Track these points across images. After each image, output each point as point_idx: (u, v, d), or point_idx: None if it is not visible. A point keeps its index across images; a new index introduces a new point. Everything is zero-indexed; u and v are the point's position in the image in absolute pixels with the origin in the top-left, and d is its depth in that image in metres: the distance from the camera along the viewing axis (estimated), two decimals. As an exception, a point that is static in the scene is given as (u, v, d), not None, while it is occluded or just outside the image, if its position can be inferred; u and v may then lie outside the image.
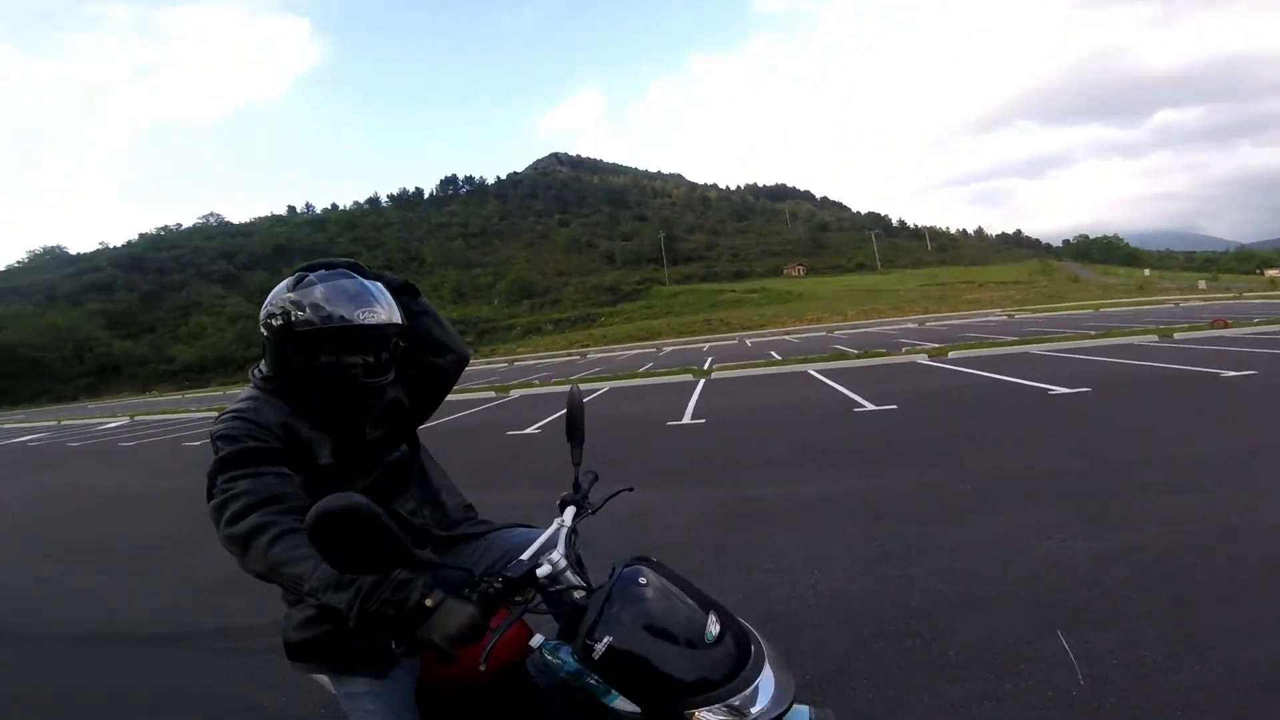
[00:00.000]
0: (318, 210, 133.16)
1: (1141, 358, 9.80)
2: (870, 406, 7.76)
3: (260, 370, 1.41)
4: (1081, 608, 2.43)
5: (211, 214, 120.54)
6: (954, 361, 11.84)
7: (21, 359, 59.78)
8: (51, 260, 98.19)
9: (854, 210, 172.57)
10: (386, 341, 1.39)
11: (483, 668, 1.14)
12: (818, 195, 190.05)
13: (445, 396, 1.68)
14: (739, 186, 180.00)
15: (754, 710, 1.25)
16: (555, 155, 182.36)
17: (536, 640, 1.34)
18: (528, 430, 8.72)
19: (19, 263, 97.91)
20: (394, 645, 1.23)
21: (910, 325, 31.55)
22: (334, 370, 1.31)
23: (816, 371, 12.64)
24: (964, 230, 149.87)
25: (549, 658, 1.29)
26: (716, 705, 1.22)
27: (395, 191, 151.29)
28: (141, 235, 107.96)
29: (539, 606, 1.29)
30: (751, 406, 9.01)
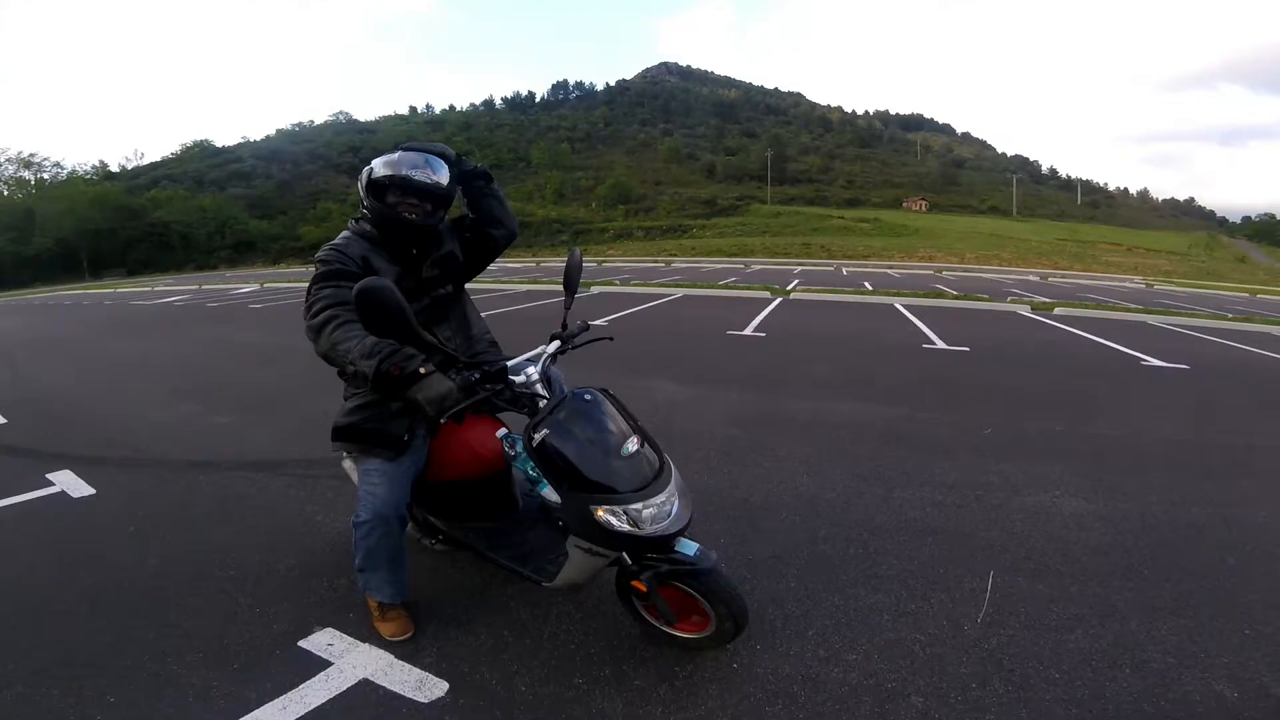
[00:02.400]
0: (437, 111, 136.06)
1: (1275, 348, 8.42)
2: (941, 345, 7.42)
3: (355, 219, 1.91)
4: (1031, 559, 2.43)
5: (341, 112, 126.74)
6: (1057, 318, 10.81)
7: (173, 234, 67.82)
8: (200, 152, 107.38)
9: (998, 151, 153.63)
10: (436, 197, 1.81)
11: (442, 421, 1.56)
12: (958, 130, 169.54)
13: (493, 260, 2.16)
14: (867, 112, 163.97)
15: (647, 525, 1.54)
16: (665, 64, 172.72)
17: (501, 432, 1.74)
18: (595, 322, 9.08)
19: (172, 154, 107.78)
20: (404, 436, 1.68)
21: (1031, 278, 28.72)
22: (396, 210, 1.78)
23: (903, 306, 12.01)
24: (1124, 189, 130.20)
25: (506, 447, 1.69)
26: (615, 508, 1.51)
27: (509, 95, 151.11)
28: (279, 130, 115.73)
29: (505, 398, 1.70)
30: (819, 328, 8.85)
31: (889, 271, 29.52)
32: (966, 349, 7.20)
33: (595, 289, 14.98)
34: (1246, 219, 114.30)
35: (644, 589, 1.63)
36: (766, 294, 13.44)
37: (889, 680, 1.72)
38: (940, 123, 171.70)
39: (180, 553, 2.54)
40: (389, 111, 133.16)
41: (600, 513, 1.52)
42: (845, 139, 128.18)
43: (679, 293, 14.06)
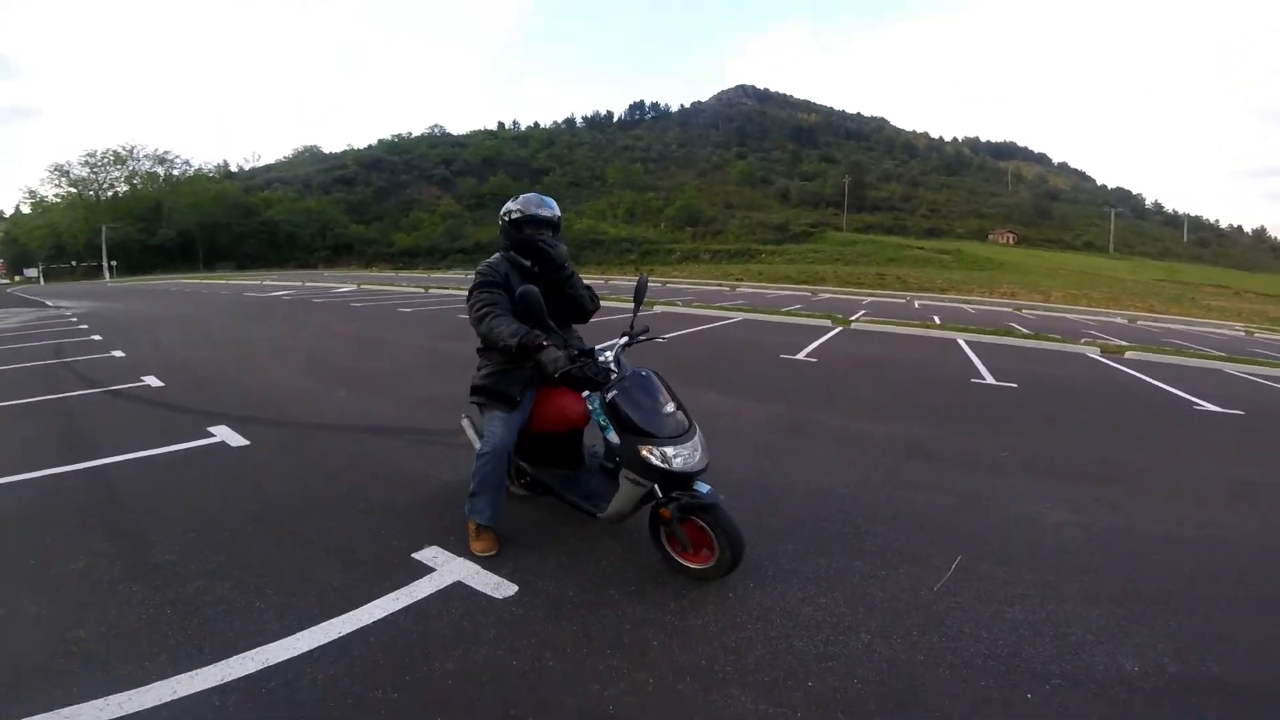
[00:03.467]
0: (522, 127, 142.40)
1: None
2: (989, 380, 7.61)
3: (502, 245, 2.76)
4: (1001, 551, 2.85)
5: (436, 125, 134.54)
6: (1126, 362, 10.57)
7: (280, 232, 75.00)
8: (309, 157, 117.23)
9: (1097, 182, 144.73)
10: (553, 224, 2.71)
11: (555, 374, 2.39)
12: (1054, 160, 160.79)
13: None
14: (955, 139, 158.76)
15: (675, 463, 2.20)
16: (742, 87, 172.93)
17: (586, 394, 2.46)
18: (656, 339, 9.76)
19: (285, 157, 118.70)
20: (516, 396, 2.40)
21: (1118, 320, 27.21)
22: (529, 237, 2.66)
23: (965, 342, 11.99)
24: (1237, 226, 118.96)
25: (589, 404, 2.40)
26: (652, 447, 2.18)
27: (589, 113, 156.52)
28: (380, 140, 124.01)
29: (591, 370, 2.52)
30: (872, 358, 9.15)
31: (964, 307, 28.77)
32: (1014, 385, 7.37)
33: (658, 308, 15.70)
34: None
35: (668, 515, 2.32)
36: (827, 322, 13.73)
37: (847, 619, 2.25)
38: (1035, 151, 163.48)
39: (320, 491, 3.35)
40: (479, 126, 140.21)
41: (644, 451, 2.24)
42: (930, 166, 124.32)
43: (739, 316, 14.58)
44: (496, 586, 2.38)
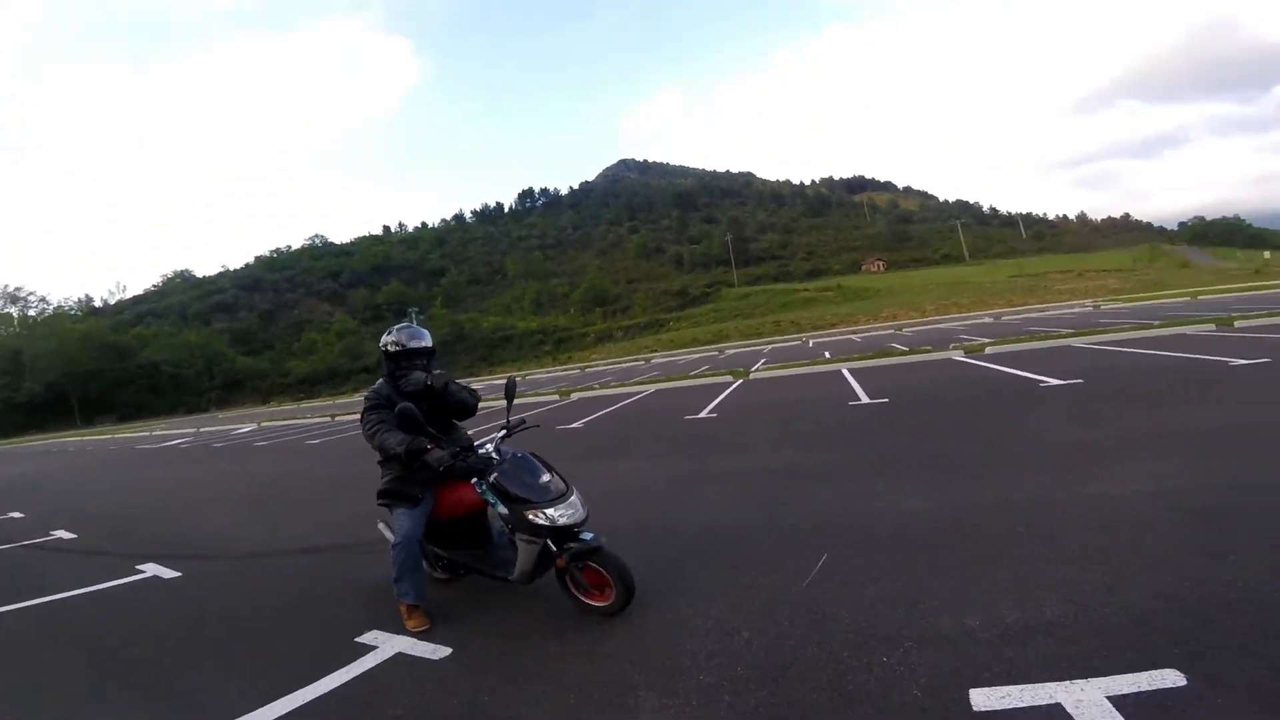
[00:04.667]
0: (409, 229, 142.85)
1: (1177, 348, 9.68)
2: (865, 400, 8.63)
3: (384, 372, 3.28)
4: (861, 543, 3.41)
5: (317, 235, 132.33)
6: (986, 357, 12.18)
7: (162, 375, 69.39)
8: (181, 283, 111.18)
9: (940, 199, 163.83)
10: (430, 354, 3.28)
11: (440, 469, 2.89)
12: (899, 185, 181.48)
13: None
14: (813, 181, 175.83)
15: (559, 520, 2.69)
16: (624, 161, 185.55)
17: (474, 481, 2.89)
18: (573, 425, 10.21)
19: (154, 286, 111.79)
20: (418, 495, 2.81)
21: (985, 319, 30.58)
22: (408, 367, 3.19)
23: (848, 370, 13.28)
24: (1064, 216, 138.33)
25: (479, 489, 2.93)
26: (537, 510, 2.68)
27: (478, 207, 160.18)
28: (257, 258, 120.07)
29: (472, 461, 3.02)
30: (765, 402, 10.04)
31: (852, 337, 31.22)
32: (885, 400, 8.41)
33: (575, 395, 16.19)
34: (1183, 224, 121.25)
35: (563, 564, 2.79)
36: (729, 378, 14.76)
37: (729, 623, 2.72)
38: (882, 180, 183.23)
39: (260, 604, 3.65)
40: (363, 232, 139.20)
41: (529, 515, 2.74)
42: (798, 211, 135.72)
43: (652, 388, 15.40)
44: (433, 651, 2.75)
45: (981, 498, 3.94)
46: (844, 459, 5.42)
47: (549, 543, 2.81)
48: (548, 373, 39.96)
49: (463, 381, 3.55)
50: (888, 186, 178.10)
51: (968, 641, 2.30)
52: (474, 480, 3.01)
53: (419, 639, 2.86)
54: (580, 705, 2.24)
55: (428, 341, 3.26)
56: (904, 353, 15.28)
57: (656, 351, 43.08)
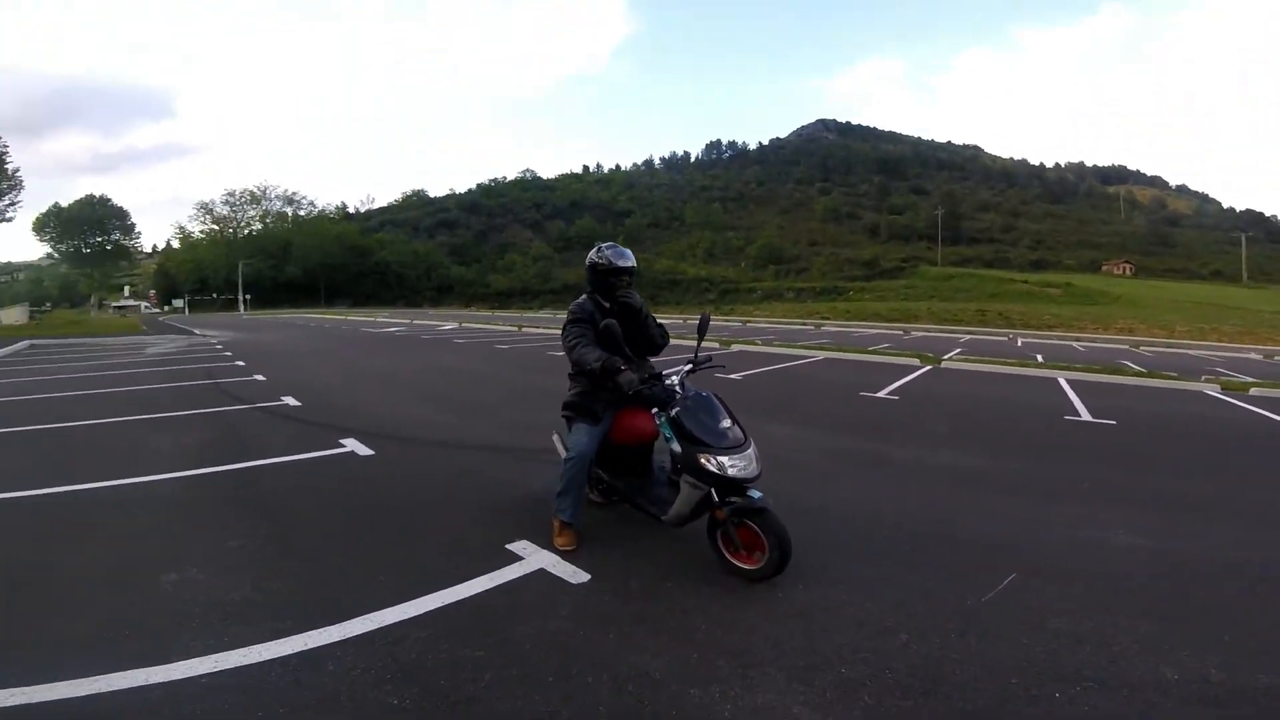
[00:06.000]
0: (605, 170, 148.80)
1: None
2: (1086, 418, 7.26)
3: (589, 287, 3.25)
4: (1055, 572, 2.96)
5: (528, 169, 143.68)
6: (1250, 399, 9.58)
7: (392, 273, 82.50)
8: (417, 200, 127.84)
9: (1222, 205, 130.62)
10: (632, 274, 3.18)
11: (630, 392, 2.86)
12: (1171, 182, 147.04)
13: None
14: (1058, 164, 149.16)
15: (729, 469, 2.52)
16: (822, 121, 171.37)
17: (655, 411, 2.86)
18: (732, 376, 9.90)
19: (395, 201, 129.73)
20: (599, 412, 2.87)
21: (1252, 356, 24.35)
22: (612, 283, 3.16)
23: (1066, 380, 11.25)
24: None
25: (657, 419, 2.92)
26: (710, 455, 2.53)
27: (667, 154, 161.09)
28: (478, 184, 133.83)
29: (659, 391, 2.97)
30: (959, 396, 8.92)
31: (1074, 344, 26.83)
32: (1113, 422, 6.99)
33: (736, 346, 15.86)
34: None
35: (722, 517, 2.65)
36: (916, 361, 13.30)
37: (887, 621, 2.42)
38: (1148, 174, 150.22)
39: (433, 493, 3.95)
40: (565, 170, 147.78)
41: (702, 459, 2.61)
42: (1031, 194, 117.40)
43: (821, 355, 14.40)
44: (574, 574, 2.77)
45: (1213, 551, 3.30)
46: (1051, 476, 4.62)
47: (713, 491, 2.68)
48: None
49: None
50: (1155, 181, 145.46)
51: (1157, 694, 2.03)
52: (654, 411, 2.96)
53: (564, 558, 2.91)
54: (702, 667, 2.12)
55: (632, 262, 3.20)
56: (1140, 374, 12.63)
57: (829, 319, 40.56)
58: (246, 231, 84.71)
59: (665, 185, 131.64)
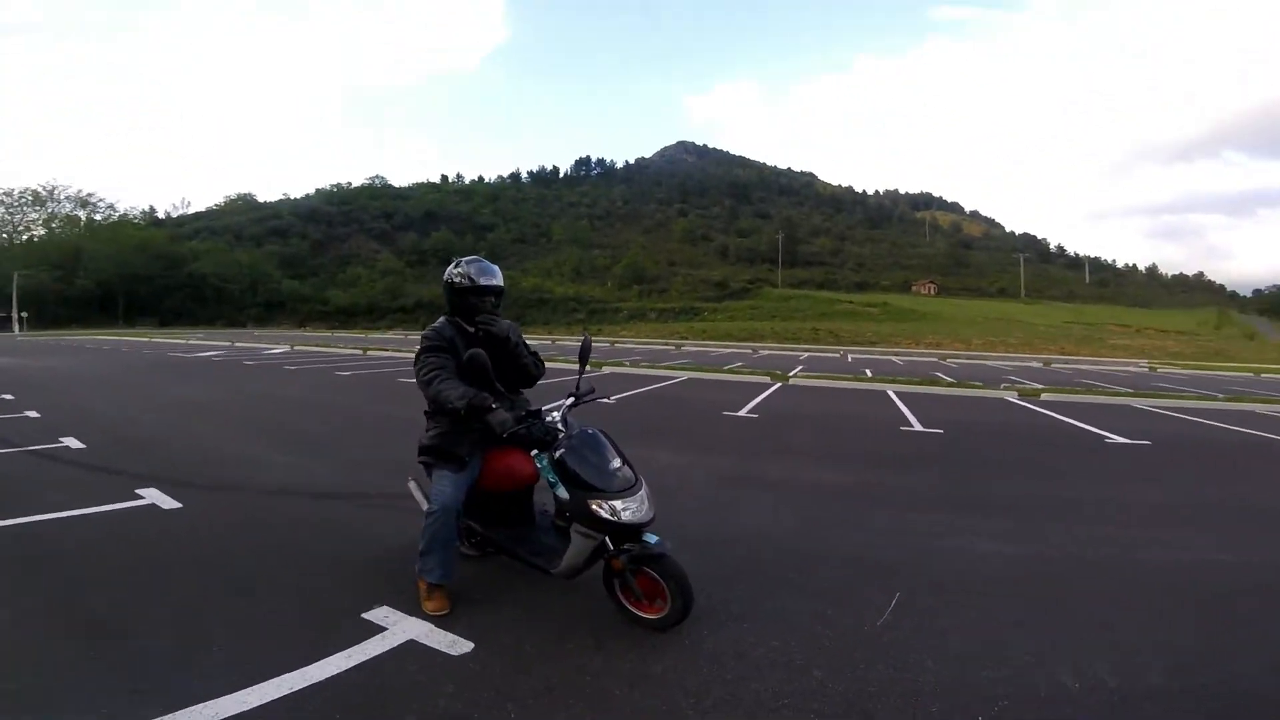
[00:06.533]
0: (466, 180, 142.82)
1: (1250, 425, 9.28)
2: (918, 427, 8.10)
3: (447, 309, 2.80)
4: (935, 584, 3.12)
5: (377, 176, 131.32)
6: (1042, 403, 11.50)
7: (209, 287, 70.87)
8: (242, 205, 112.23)
9: (1006, 229, 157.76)
10: (499, 294, 2.75)
11: (503, 435, 2.45)
12: (966, 208, 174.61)
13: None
14: (877, 191, 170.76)
15: (623, 515, 2.29)
16: (682, 143, 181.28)
17: (534, 453, 2.52)
18: (604, 400, 9.84)
19: (216, 206, 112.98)
20: (464, 456, 2.43)
21: (1034, 364, 29.50)
22: (474, 304, 2.71)
23: (894, 393, 12.63)
24: (1133, 265, 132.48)
25: (538, 462, 2.50)
26: (601, 501, 2.28)
27: (534, 168, 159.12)
28: (318, 190, 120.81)
29: (538, 430, 2.59)
30: (810, 413, 9.50)
31: (893, 359, 30.36)
32: (940, 430, 7.87)
33: (606, 369, 15.82)
34: (1258, 292, 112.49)
35: (619, 566, 2.39)
36: (767, 379, 14.19)
37: (798, 659, 2.34)
38: (949, 200, 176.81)
39: (261, 553, 3.24)
40: (422, 179, 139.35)
41: (593, 505, 2.32)
42: (856, 220, 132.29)
43: (684, 375, 14.89)
44: (452, 644, 2.36)
45: (1061, 549, 3.68)
46: (903, 487, 5.00)
47: (608, 539, 2.42)
48: (576, 340, 39.42)
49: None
50: (954, 207, 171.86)
51: (1068, 705, 2.12)
52: (534, 453, 2.62)
53: (437, 625, 2.48)
54: (628, 737, 1.87)
55: (499, 280, 2.76)
56: (951, 384, 14.62)
57: (688, 339, 42.43)
58: (26, 238, 69.81)
59: (533, 199, 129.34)
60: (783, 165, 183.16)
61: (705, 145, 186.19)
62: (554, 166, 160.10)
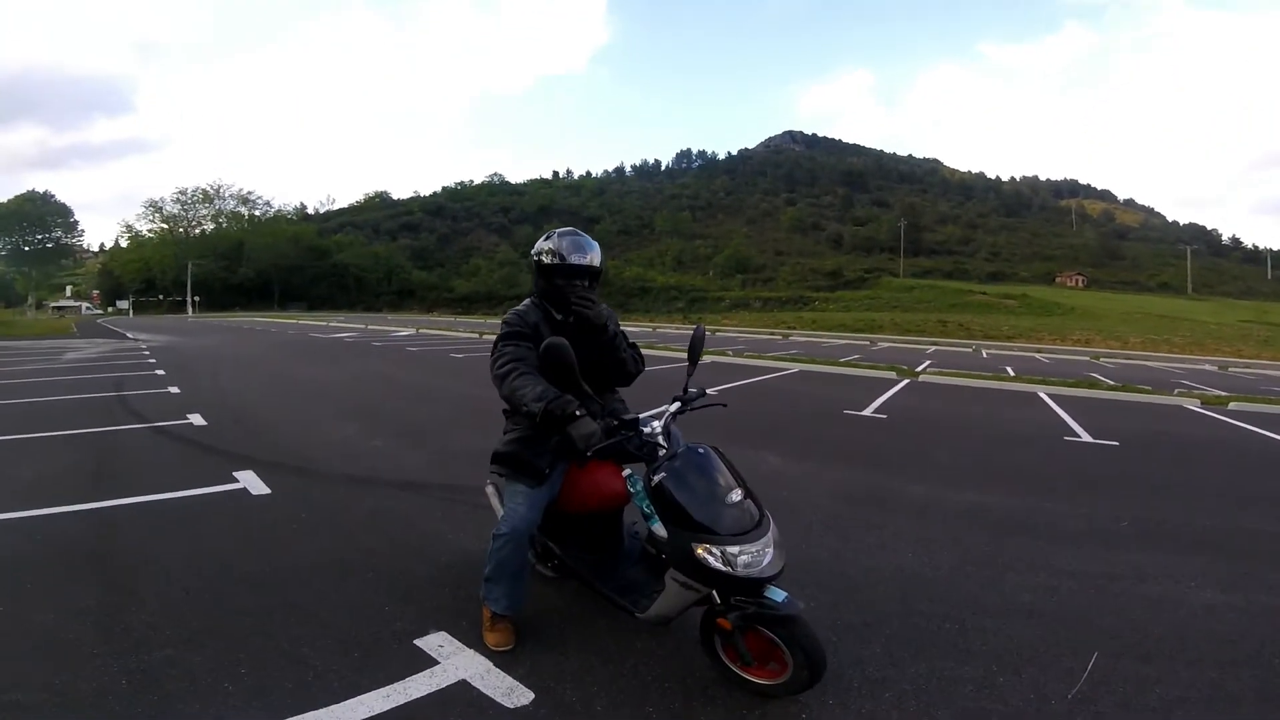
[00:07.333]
0: (575, 176, 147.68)
1: None
2: (1087, 439, 6.74)
3: (534, 290, 2.32)
4: (1142, 645, 2.22)
5: (495, 174, 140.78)
6: (1233, 413, 9.34)
7: (350, 276, 79.63)
8: (379, 202, 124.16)
9: (1168, 219, 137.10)
10: (595, 275, 2.22)
11: (589, 454, 1.89)
12: (1120, 196, 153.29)
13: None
14: (1013, 178, 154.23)
15: (740, 566, 1.69)
16: (789, 133, 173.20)
17: (627, 471, 1.99)
18: (708, 390, 9.22)
19: (357, 202, 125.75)
20: (544, 469, 1.96)
21: (1207, 367, 25.03)
22: (563, 286, 2.19)
23: (1047, 395, 10.90)
24: None
25: (630, 485, 1.93)
26: (713, 548, 1.69)
27: (637, 162, 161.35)
28: (444, 187, 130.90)
29: (634, 444, 2.00)
30: (948, 415, 8.30)
31: (1036, 356, 27.01)
32: (1115, 443, 6.49)
33: (708, 358, 15.13)
34: None
35: (729, 627, 1.79)
36: (892, 374, 12.81)
37: (967, 764, 1.67)
38: (1098, 188, 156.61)
39: (332, 553, 3.01)
40: (535, 174, 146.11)
41: (699, 550, 1.72)
42: (988, 207, 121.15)
43: (795, 367, 13.83)
44: (509, 692, 1.92)
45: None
46: (1085, 515, 3.96)
47: (715, 593, 1.82)
48: (677, 329, 39.03)
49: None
50: (1105, 195, 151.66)
51: None
52: (627, 471, 2.07)
53: (495, 664, 2.05)
54: None
55: (596, 258, 2.22)
56: (1114, 387, 12.42)
57: (796, 329, 40.35)
58: (198, 231, 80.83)
59: (636, 192, 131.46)
60: (903, 152, 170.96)
61: (814, 134, 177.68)
62: (655, 160, 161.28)
